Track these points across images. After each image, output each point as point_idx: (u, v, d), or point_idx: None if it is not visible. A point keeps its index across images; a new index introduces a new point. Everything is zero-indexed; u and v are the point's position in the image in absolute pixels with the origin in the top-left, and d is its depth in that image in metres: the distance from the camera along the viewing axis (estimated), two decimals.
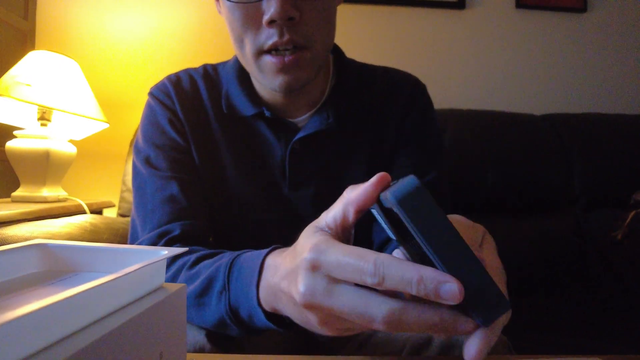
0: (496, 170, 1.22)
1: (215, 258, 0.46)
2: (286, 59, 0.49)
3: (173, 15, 1.45)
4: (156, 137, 0.58)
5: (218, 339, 0.45)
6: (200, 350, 0.43)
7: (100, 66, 1.41)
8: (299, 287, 0.27)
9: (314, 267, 0.26)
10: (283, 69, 0.50)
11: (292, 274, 0.29)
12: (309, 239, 0.28)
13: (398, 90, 0.62)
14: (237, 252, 0.44)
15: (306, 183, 0.59)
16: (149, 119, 0.60)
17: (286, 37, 0.47)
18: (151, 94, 0.61)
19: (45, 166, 1.06)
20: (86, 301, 0.18)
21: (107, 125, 1.21)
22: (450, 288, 0.22)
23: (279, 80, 0.51)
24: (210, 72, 0.63)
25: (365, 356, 0.49)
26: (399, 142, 0.61)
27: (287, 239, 0.36)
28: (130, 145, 1.20)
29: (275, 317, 0.37)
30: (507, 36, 1.56)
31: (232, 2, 0.48)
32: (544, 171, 1.25)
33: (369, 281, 0.24)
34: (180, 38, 1.45)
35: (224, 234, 0.62)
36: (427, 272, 0.23)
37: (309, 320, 0.29)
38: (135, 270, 0.20)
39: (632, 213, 1.02)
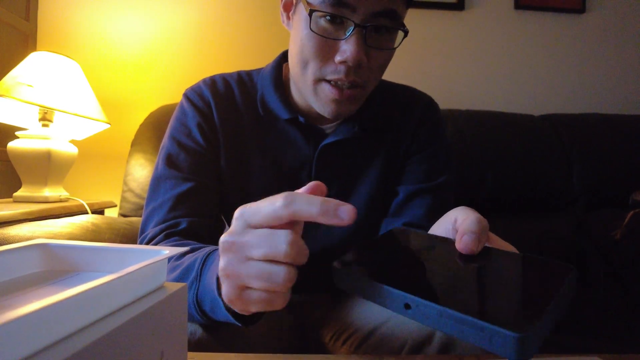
0: (496, 170, 1.22)
1: (201, 249, 0.46)
2: (344, 92, 0.54)
3: (174, 16, 1.45)
4: (182, 137, 0.61)
5: (213, 328, 0.45)
6: (192, 335, 0.44)
7: (101, 67, 1.41)
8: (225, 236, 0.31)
9: (240, 216, 0.31)
10: (338, 101, 0.55)
11: None
12: None
13: (414, 106, 0.68)
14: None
15: (329, 183, 0.63)
16: (179, 119, 0.63)
17: (350, 77, 0.53)
18: (185, 95, 0.65)
19: (46, 166, 1.06)
20: (87, 301, 0.18)
21: (108, 126, 1.21)
22: (347, 209, 0.27)
23: (330, 108, 0.56)
24: (244, 78, 0.68)
25: (365, 355, 0.49)
26: (411, 151, 0.66)
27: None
28: (132, 146, 1.21)
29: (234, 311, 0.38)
30: (506, 37, 1.56)
31: (314, 32, 0.51)
32: (543, 171, 1.25)
33: (279, 205, 0.28)
34: (181, 38, 1.45)
35: None
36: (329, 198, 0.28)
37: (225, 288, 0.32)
38: (136, 270, 0.21)
39: (631, 213, 1.02)
